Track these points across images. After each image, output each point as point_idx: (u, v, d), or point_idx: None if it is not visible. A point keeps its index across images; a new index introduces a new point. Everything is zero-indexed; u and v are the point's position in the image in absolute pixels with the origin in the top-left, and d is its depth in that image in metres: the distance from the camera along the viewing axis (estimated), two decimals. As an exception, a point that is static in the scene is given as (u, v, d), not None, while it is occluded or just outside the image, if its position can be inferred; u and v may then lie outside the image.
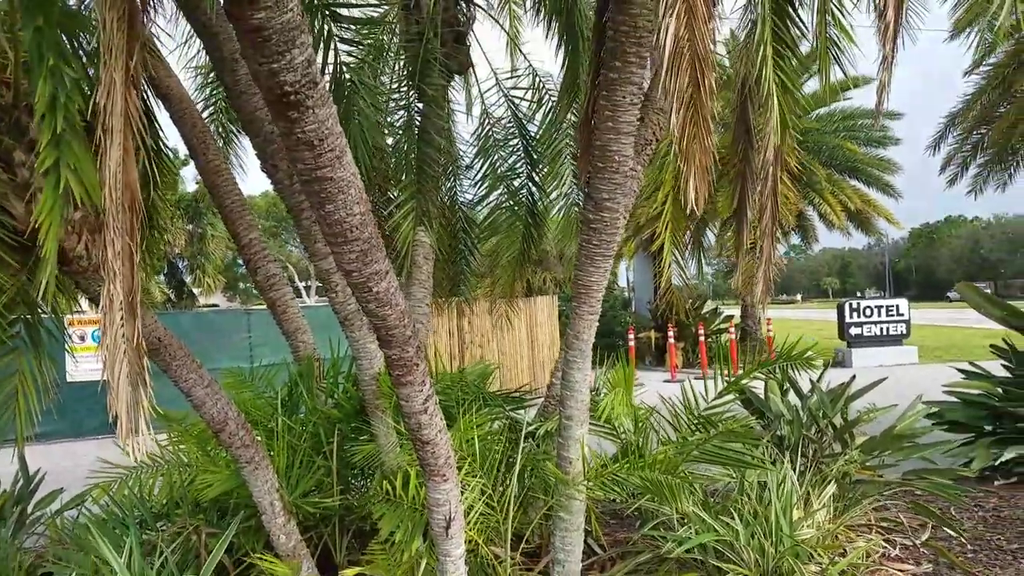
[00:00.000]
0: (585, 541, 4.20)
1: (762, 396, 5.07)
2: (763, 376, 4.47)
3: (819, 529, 3.61)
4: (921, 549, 4.19)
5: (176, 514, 4.10)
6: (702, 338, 16.73)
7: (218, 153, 4.74)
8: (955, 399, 6.22)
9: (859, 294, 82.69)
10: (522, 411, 4.53)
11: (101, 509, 4.37)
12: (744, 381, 4.39)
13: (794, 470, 4.03)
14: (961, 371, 6.55)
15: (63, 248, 3.27)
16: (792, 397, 4.86)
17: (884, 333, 16.68)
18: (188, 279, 21.13)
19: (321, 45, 3.64)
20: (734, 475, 3.91)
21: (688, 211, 5.59)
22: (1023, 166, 11.32)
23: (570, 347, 3.74)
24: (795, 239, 20.09)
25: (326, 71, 3.85)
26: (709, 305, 20.36)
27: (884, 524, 4.31)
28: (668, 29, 2.27)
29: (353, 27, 3.89)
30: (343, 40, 3.79)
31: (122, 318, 2.06)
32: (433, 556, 3.31)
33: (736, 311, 20.99)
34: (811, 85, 16.15)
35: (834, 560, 3.45)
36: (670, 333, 16.55)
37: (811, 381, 4.82)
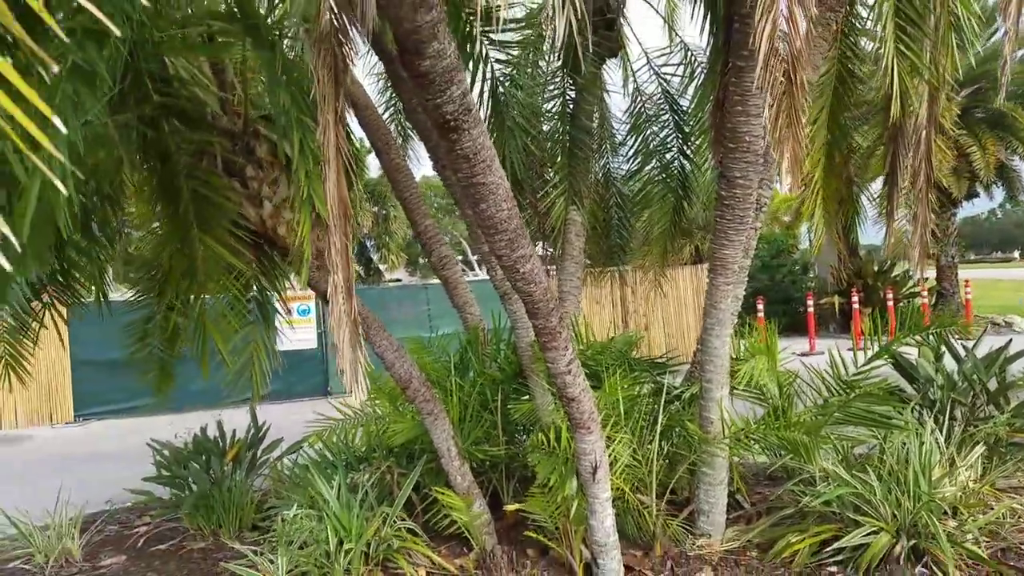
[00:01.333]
0: (732, 497, 4.52)
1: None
2: (916, 343, 4.48)
3: (962, 488, 3.66)
4: (1082, 516, 4.03)
5: (373, 457, 4.93)
6: (890, 303, 15.63)
7: (399, 152, 5.47)
8: None
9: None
10: (668, 376, 4.87)
11: (316, 453, 5.32)
12: (895, 347, 4.44)
13: (942, 432, 4.05)
14: None
15: (285, 242, 4.14)
16: (948, 361, 4.78)
17: (1110, 296, 14.71)
18: (375, 256, 23.25)
19: (481, 65, 4.23)
20: (878, 436, 4.02)
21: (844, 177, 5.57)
22: None
23: (708, 315, 4.04)
24: (999, 193, 18.03)
25: (485, 84, 4.42)
26: (901, 267, 18.79)
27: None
28: (764, 31, 2.51)
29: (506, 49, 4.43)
30: (498, 61, 4.33)
31: (343, 299, 2.74)
32: (584, 499, 3.81)
33: (932, 273, 19.27)
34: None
35: (975, 517, 3.51)
36: (854, 298, 15.64)
37: (964, 346, 4.71)
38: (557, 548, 4.02)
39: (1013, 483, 4.10)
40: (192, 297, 4.33)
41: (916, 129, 4.42)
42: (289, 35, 3.54)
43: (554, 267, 5.76)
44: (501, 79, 4.67)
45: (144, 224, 5.07)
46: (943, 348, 4.74)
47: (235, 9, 3.29)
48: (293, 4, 3.19)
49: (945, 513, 3.57)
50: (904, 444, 3.75)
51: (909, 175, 4.55)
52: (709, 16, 5.81)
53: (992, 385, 4.53)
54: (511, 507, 4.22)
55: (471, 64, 4.62)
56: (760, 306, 15.45)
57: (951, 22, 3.30)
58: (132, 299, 4.89)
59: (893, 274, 17.65)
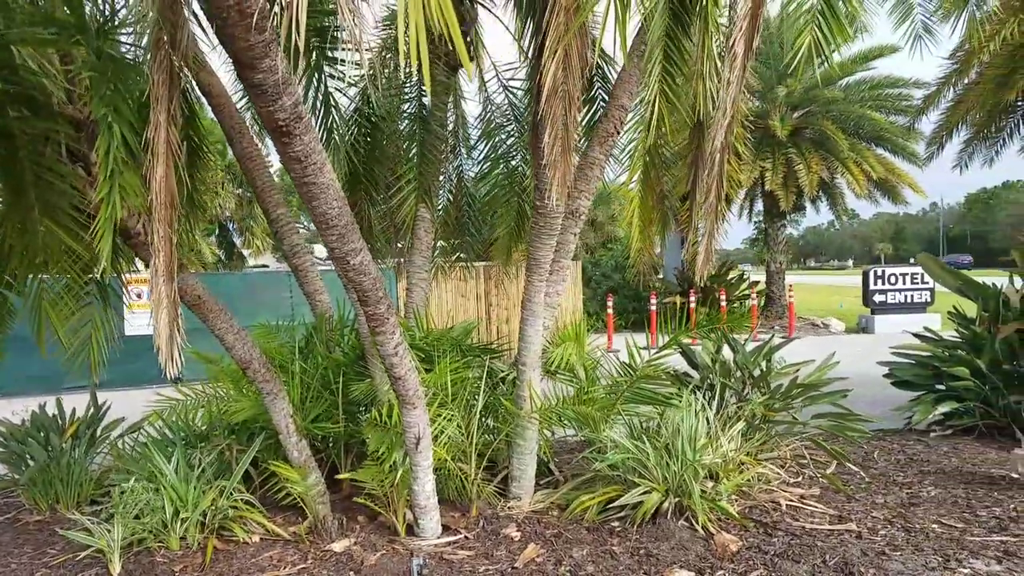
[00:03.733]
0: (545, 465, 5.16)
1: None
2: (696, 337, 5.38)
3: (723, 457, 4.45)
4: (822, 480, 5.01)
5: (214, 435, 5.14)
6: (722, 303, 17.33)
7: (252, 141, 5.62)
8: (907, 360, 6.90)
9: (911, 260, 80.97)
10: (499, 360, 5.43)
11: (156, 432, 5.44)
12: (682, 339, 5.25)
13: (714, 411, 4.87)
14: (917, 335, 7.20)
15: (126, 227, 4.26)
16: (727, 352, 5.68)
17: (908, 301, 17.06)
18: (238, 241, 22.46)
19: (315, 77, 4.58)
20: (658, 413, 4.78)
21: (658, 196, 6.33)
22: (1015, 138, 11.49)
23: (524, 308, 4.62)
24: (824, 207, 20.41)
25: (319, 93, 4.77)
26: (736, 272, 20.84)
27: (803, 461, 5.18)
28: (549, 71, 3.05)
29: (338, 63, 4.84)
30: (331, 76, 4.71)
31: (163, 282, 3.01)
32: (409, 467, 4.26)
33: (762, 277, 21.47)
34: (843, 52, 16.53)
35: (729, 480, 4.31)
36: (691, 298, 17.20)
37: (734, 339, 5.65)
38: (384, 512, 4.45)
39: (773, 456, 5.01)
40: (30, 277, 4.36)
41: (712, 153, 5.19)
42: (122, 40, 3.71)
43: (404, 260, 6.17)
44: (334, 90, 5.06)
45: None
46: (723, 340, 5.65)
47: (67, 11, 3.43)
48: (131, 11, 3.39)
49: (707, 477, 4.35)
50: (682, 419, 4.50)
51: (704, 192, 5.32)
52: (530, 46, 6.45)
53: (757, 372, 5.46)
54: (344, 475, 4.60)
55: (307, 75, 4.97)
56: (610, 303, 16.77)
57: (700, 71, 4.01)
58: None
59: (729, 277, 19.52)
